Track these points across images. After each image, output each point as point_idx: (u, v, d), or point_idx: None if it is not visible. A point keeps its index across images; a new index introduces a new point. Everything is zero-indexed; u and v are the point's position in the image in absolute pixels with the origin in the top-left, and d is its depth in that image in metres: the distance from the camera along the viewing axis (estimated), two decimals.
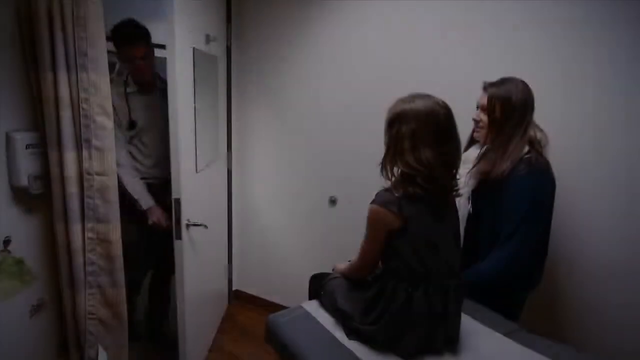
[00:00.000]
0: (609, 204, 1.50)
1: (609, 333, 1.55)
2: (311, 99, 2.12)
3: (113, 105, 1.60)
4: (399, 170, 1.07)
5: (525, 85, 1.31)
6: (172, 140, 1.50)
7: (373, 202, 1.08)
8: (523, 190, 1.25)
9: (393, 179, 1.09)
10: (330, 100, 2.05)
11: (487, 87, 1.35)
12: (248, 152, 2.40)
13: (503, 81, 1.33)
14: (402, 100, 1.08)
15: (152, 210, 1.80)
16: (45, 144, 1.44)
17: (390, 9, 1.84)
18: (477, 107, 1.39)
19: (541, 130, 1.35)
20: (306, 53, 2.09)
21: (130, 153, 1.83)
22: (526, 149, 1.29)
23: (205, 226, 1.67)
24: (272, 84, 2.21)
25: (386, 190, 1.08)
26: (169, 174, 1.78)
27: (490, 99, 1.31)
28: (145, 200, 1.80)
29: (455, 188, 1.11)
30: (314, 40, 2.06)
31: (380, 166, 1.10)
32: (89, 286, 1.44)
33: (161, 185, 1.86)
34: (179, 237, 1.56)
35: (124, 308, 1.51)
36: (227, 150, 2.37)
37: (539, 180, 1.27)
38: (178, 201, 1.55)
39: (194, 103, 1.69)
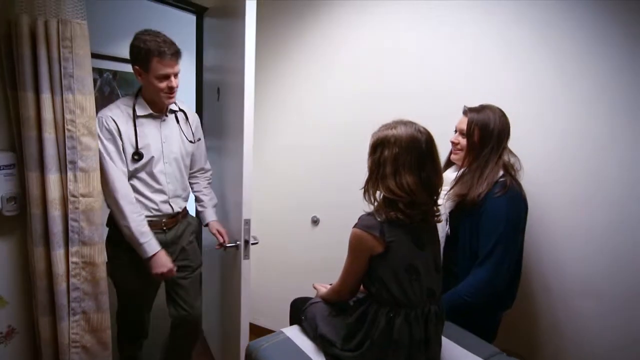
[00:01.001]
0: (583, 223, 1.55)
1: (585, 352, 1.59)
2: (295, 119, 2.13)
3: (119, 130, 1.48)
4: (381, 195, 1.09)
5: (502, 113, 1.37)
6: (246, 159, 1.57)
7: (356, 226, 1.10)
8: (498, 213, 1.30)
9: (376, 203, 1.11)
10: (314, 120, 2.07)
11: (467, 111, 1.39)
12: None
13: (482, 108, 1.38)
14: (385, 126, 1.12)
15: (158, 257, 1.51)
16: (21, 165, 1.41)
17: (382, 33, 1.86)
18: (455, 131, 1.42)
19: (515, 156, 1.40)
20: (287, 73, 2.10)
21: (134, 187, 1.55)
22: (501, 172, 1.34)
23: (257, 242, 1.71)
24: (255, 103, 2.21)
25: (369, 214, 1.10)
26: (180, 208, 1.70)
27: (469, 124, 1.36)
28: (151, 246, 1.51)
29: (437, 213, 1.14)
30: (298, 59, 2.07)
31: (363, 190, 1.12)
32: (72, 313, 1.41)
33: (166, 223, 1.64)
34: (247, 257, 1.64)
35: (108, 333, 1.49)
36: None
37: (513, 203, 1.32)
38: (248, 222, 1.59)
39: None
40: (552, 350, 1.65)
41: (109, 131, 1.48)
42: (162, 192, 1.60)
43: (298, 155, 2.15)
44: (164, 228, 1.63)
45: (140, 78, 1.52)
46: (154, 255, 1.52)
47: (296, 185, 2.18)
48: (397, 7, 1.80)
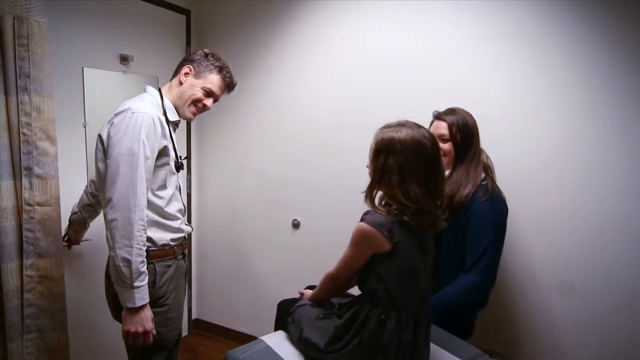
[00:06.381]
0: (551, 222, 1.60)
1: (563, 351, 1.61)
2: (274, 121, 2.11)
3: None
4: (385, 201, 1.06)
5: (469, 112, 1.39)
6: None
7: (363, 220, 1.05)
8: (486, 217, 1.31)
9: (381, 205, 1.07)
10: (294, 122, 2.05)
11: (441, 116, 1.40)
12: (208, 174, 2.33)
13: (453, 110, 1.39)
14: (390, 128, 1.06)
15: (146, 310, 1.15)
16: None
17: (364, 30, 1.85)
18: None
19: (488, 157, 1.42)
20: (269, 74, 2.09)
21: (166, 202, 1.27)
22: (482, 174, 1.35)
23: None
24: (233, 104, 2.18)
25: (376, 211, 1.06)
26: None
27: (450, 127, 1.36)
28: (143, 293, 1.14)
29: (442, 217, 1.11)
30: (277, 61, 2.06)
31: (364, 194, 1.08)
32: (26, 331, 1.29)
33: (185, 245, 1.39)
34: None
35: (67, 353, 1.37)
36: (187, 173, 2.29)
37: (497, 206, 1.34)
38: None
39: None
40: (530, 348, 1.66)
41: (155, 134, 1.19)
42: (183, 209, 1.37)
43: (276, 156, 2.11)
44: (185, 251, 1.37)
45: (183, 77, 1.32)
46: (143, 306, 1.14)
47: (275, 187, 2.13)
48: (379, 5, 1.79)
